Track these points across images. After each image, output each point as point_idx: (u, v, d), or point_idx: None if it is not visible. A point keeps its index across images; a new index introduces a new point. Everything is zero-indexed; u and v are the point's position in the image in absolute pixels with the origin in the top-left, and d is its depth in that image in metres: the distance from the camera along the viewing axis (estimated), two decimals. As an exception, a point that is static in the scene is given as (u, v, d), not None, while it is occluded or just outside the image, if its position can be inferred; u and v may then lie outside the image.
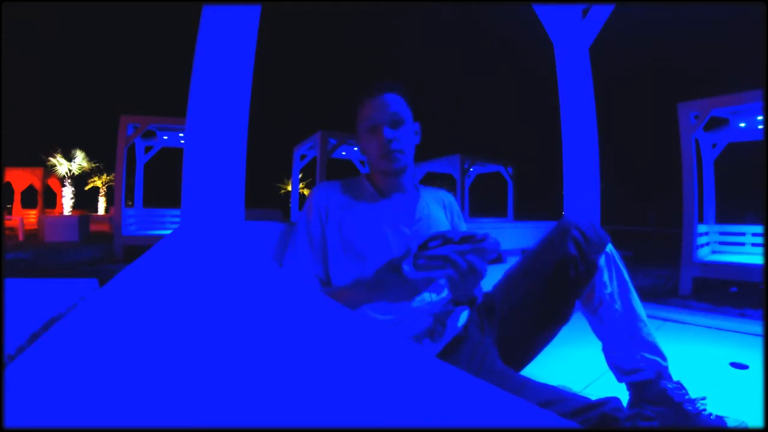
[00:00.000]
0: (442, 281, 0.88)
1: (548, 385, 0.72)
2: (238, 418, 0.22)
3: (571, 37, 2.12)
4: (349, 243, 0.86)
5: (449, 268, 0.63)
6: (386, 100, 0.90)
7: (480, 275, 0.65)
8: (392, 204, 0.94)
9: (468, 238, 0.66)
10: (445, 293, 0.90)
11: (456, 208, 1.05)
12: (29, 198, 14.06)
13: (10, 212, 13.33)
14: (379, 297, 0.74)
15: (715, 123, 4.26)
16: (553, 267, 0.89)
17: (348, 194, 0.93)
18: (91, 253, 6.20)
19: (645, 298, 1.04)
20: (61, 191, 19.80)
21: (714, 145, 4.49)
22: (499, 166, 9.23)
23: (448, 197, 1.06)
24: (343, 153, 7.76)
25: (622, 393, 0.93)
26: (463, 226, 1.03)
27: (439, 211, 1.00)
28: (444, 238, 0.67)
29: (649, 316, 0.95)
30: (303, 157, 7.51)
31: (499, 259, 0.67)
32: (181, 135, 6.26)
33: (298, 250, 0.90)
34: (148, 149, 6.73)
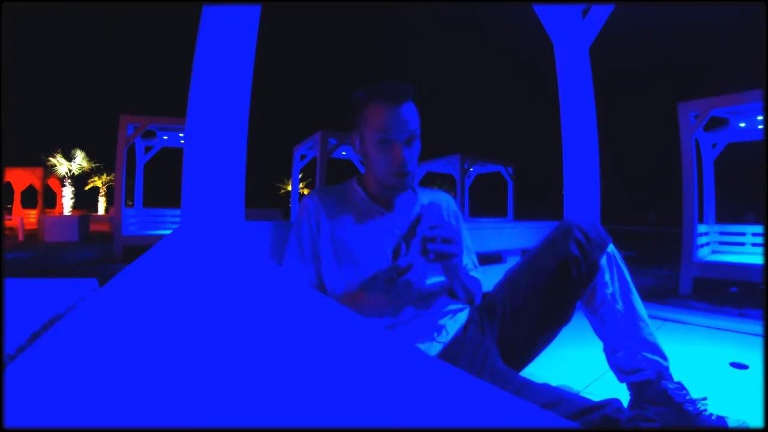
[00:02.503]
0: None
1: (549, 386, 0.72)
2: (237, 418, 0.22)
3: (571, 37, 2.12)
4: (343, 247, 0.86)
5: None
6: (405, 115, 0.83)
7: (444, 255, 0.76)
8: (387, 208, 0.93)
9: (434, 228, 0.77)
10: (441, 293, 0.90)
11: (454, 209, 1.03)
12: (29, 198, 14.04)
13: (10, 212, 13.31)
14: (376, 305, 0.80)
15: (715, 123, 4.26)
16: (554, 267, 0.88)
17: (340, 202, 0.92)
18: (91, 253, 6.20)
19: (645, 297, 1.04)
20: (61, 191, 19.78)
21: (714, 145, 4.48)
22: (499, 166, 9.22)
23: (446, 198, 1.04)
24: (343, 153, 7.75)
25: (622, 393, 0.93)
26: (463, 228, 1.01)
27: None
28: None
29: (649, 316, 0.95)
30: (303, 157, 7.51)
31: (450, 241, 0.77)
32: (181, 135, 6.26)
33: (290, 264, 0.90)
34: (148, 149, 6.73)
